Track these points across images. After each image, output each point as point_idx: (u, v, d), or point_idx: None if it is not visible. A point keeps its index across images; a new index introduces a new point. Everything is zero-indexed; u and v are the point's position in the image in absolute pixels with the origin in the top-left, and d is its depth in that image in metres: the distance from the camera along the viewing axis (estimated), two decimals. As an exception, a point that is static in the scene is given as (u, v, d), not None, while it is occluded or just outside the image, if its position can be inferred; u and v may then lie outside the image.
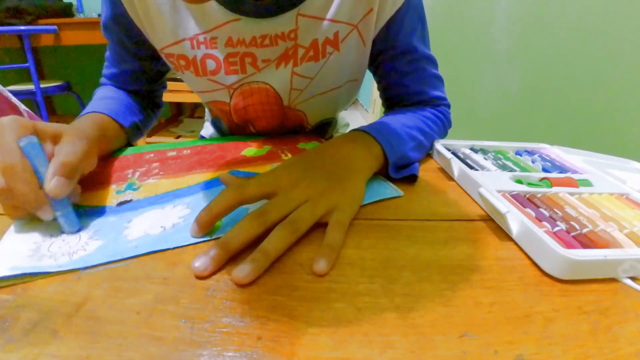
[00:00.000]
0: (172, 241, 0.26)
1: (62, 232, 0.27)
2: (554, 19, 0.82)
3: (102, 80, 0.53)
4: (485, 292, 0.23)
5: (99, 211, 0.30)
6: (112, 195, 0.33)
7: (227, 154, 0.43)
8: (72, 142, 0.29)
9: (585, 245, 0.26)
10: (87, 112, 0.43)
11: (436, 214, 0.32)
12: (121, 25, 0.44)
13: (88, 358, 0.17)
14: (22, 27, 1.70)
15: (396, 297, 0.22)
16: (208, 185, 0.34)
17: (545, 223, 0.28)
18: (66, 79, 2.10)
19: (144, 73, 0.51)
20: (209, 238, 0.26)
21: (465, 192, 0.37)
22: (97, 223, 0.28)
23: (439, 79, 0.50)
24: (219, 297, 0.21)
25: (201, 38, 0.41)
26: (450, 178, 0.40)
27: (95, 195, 0.33)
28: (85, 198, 0.32)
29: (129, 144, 0.49)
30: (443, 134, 0.50)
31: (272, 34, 0.40)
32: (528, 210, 0.30)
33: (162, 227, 0.28)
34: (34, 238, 0.26)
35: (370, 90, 2.37)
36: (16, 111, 0.77)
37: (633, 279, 0.24)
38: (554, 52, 0.82)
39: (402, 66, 0.46)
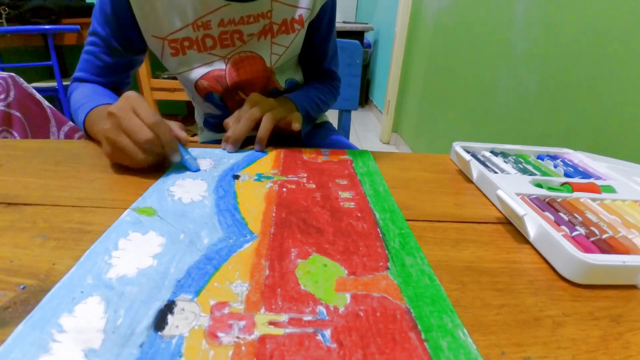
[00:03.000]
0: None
1: (190, 170, 0.39)
2: (573, 20, 0.81)
3: (76, 81, 0.57)
4: (495, 294, 0.23)
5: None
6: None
7: None
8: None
9: (604, 251, 0.26)
10: (98, 105, 0.47)
11: (448, 216, 0.32)
12: (118, 17, 0.51)
13: (105, 341, 0.18)
14: (46, 26, 1.76)
15: (404, 295, 0.22)
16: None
17: (563, 227, 0.28)
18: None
19: (118, 68, 0.57)
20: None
21: (483, 194, 0.37)
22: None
23: (337, 57, 0.71)
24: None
25: (199, 22, 0.52)
26: (468, 180, 0.40)
27: None
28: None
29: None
30: (334, 102, 0.72)
31: (254, 14, 0.54)
32: (547, 213, 0.30)
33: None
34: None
35: (384, 92, 2.37)
36: (40, 107, 0.80)
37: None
38: (573, 54, 0.81)
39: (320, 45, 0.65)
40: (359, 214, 0.31)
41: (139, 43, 0.55)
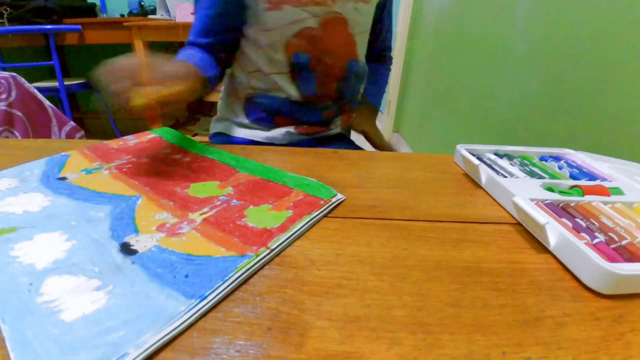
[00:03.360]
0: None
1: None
2: (574, 22, 0.81)
3: (187, 45, 0.60)
4: (496, 294, 0.23)
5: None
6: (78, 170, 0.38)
7: (194, 179, 0.37)
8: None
9: (626, 258, 0.25)
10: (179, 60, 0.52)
11: (449, 216, 0.32)
12: None
13: (107, 341, 0.18)
14: (48, 26, 1.76)
15: (405, 295, 0.22)
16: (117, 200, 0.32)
17: (583, 234, 0.28)
18: (89, 77, 2.16)
19: (224, 45, 0.61)
20: None
21: (490, 195, 0.37)
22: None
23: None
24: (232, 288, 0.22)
25: None
26: (470, 180, 0.40)
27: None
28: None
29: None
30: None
31: None
32: (564, 220, 0.30)
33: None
34: None
35: (385, 93, 2.36)
36: (41, 107, 0.81)
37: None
38: (574, 56, 0.81)
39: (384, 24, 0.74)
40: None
41: None
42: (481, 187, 0.39)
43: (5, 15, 1.80)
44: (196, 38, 0.59)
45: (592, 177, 0.39)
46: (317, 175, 0.38)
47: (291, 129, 0.66)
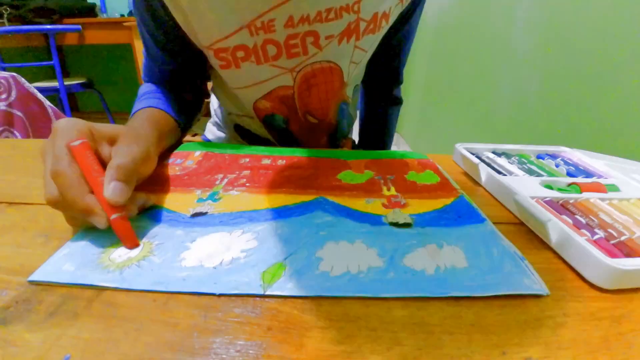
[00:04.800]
0: (221, 286, 0.22)
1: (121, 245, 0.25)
2: (574, 22, 0.81)
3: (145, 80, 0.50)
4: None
5: (173, 218, 0.29)
6: (192, 203, 0.32)
7: (320, 175, 0.38)
8: (128, 144, 0.28)
9: (626, 253, 0.26)
10: (141, 108, 0.41)
11: (448, 216, 0.32)
12: (156, 22, 0.41)
13: (107, 340, 0.18)
14: (48, 26, 1.76)
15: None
16: (287, 212, 0.31)
17: (584, 231, 0.28)
18: (89, 77, 2.17)
19: (180, 71, 0.48)
20: (261, 292, 0.22)
21: (491, 195, 0.37)
22: (164, 233, 0.27)
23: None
24: (232, 288, 0.22)
25: (258, 23, 0.38)
26: (471, 180, 0.40)
27: (177, 198, 0.32)
28: (166, 199, 0.32)
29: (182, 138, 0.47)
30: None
31: (336, 7, 0.39)
32: (565, 217, 0.30)
33: (220, 260, 0.24)
34: (96, 245, 0.25)
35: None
36: (41, 107, 0.81)
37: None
38: (574, 55, 0.81)
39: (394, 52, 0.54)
40: None
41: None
42: (481, 186, 0.39)
43: (5, 15, 1.81)
44: (151, 79, 0.48)
45: (588, 174, 0.40)
46: (317, 175, 0.38)
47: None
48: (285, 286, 0.22)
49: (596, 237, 0.27)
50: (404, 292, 0.22)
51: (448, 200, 0.34)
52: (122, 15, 2.24)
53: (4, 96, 0.74)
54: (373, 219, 0.30)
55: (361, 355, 0.18)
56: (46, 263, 0.23)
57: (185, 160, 0.41)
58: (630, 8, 0.65)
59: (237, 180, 0.36)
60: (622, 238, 0.27)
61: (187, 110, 0.49)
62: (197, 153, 0.42)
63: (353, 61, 0.45)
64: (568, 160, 0.43)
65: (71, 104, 2.15)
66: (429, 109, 1.82)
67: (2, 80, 0.74)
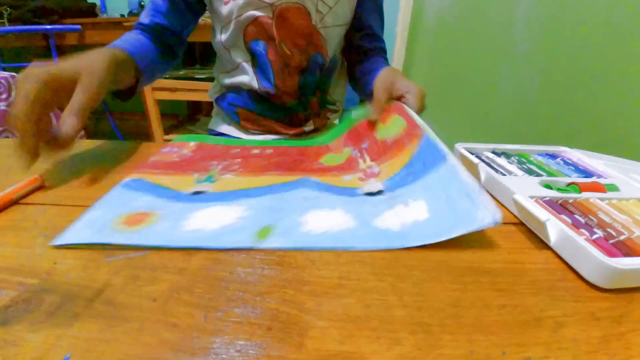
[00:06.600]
0: (222, 241, 0.26)
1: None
2: (575, 22, 0.81)
3: (134, 27, 0.59)
4: (496, 295, 0.23)
5: (174, 195, 0.33)
6: (191, 183, 0.36)
7: (305, 160, 0.43)
8: (86, 86, 0.35)
9: (625, 253, 0.26)
10: (112, 46, 0.48)
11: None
12: None
13: (107, 340, 0.18)
14: (48, 26, 1.76)
15: (405, 295, 0.22)
16: (276, 189, 0.35)
17: (583, 230, 0.28)
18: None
19: (176, 29, 0.60)
20: (256, 246, 0.26)
21: (492, 195, 0.37)
22: (168, 206, 0.31)
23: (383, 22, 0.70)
24: (232, 288, 0.22)
25: None
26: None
27: (177, 180, 0.36)
28: (168, 181, 0.36)
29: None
30: None
31: None
32: (564, 217, 0.30)
33: (219, 225, 0.28)
34: (109, 215, 0.29)
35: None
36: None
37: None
38: (574, 56, 0.81)
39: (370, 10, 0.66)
40: None
41: None
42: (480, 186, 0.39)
43: (5, 15, 1.80)
44: (144, 18, 0.58)
45: (587, 174, 0.40)
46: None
47: (276, 136, 0.67)
48: (275, 241, 0.26)
49: (595, 236, 0.27)
50: (371, 245, 0.26)
51: (414, 148, 0.36)
52: (122, 16, 2.23)
53: (4, 96, 0.74)
54: (351, 191, 0.34)
55: (361, 355, 0.18)
56: (66, 230, 0.27)
57: (181, 149, 0.46)
58: (630, 8, 0.65)
59: (230, 166, 0.41)
60: (621, 237, 0.27)
61: (153, 58, 0.58)
62: (192, 143, 0.48)
63: (318, 10, 0.58)
64: (568, 160, 0.43)
65: (71, 104, 2.14)
66: (428, 109, 1.81)
67: (2, 80, 0.74)
